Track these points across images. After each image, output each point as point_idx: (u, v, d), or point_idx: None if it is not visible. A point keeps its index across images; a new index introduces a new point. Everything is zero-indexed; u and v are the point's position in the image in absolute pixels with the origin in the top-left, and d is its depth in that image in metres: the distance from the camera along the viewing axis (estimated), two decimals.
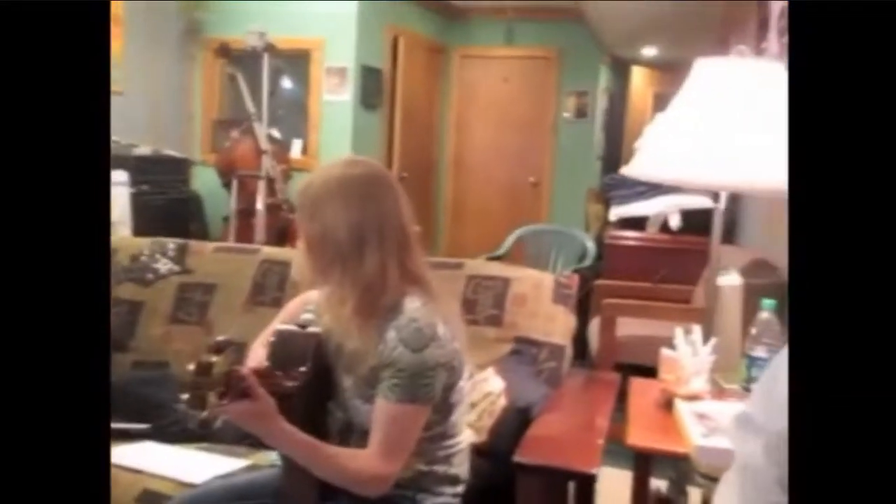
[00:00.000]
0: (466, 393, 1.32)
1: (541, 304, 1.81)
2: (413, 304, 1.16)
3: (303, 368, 1.15)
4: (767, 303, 1.55)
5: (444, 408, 1.21)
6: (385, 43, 5.23)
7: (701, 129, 1.36)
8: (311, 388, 1.18)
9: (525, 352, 1.75)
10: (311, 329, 1.22)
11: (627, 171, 1.53)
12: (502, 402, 1.49)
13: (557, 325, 1.79)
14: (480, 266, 1.94)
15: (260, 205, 3.94)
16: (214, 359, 0.96)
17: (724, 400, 1.52)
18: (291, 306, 1.54)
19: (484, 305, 1.82)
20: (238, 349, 1.42)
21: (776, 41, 2.85)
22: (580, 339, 3.24)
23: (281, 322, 1.45)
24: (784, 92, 1.40)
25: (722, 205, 1.55)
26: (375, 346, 1.15)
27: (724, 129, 1.33)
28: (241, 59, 4.18)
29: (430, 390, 1.15)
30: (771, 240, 2.82)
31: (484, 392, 1.53)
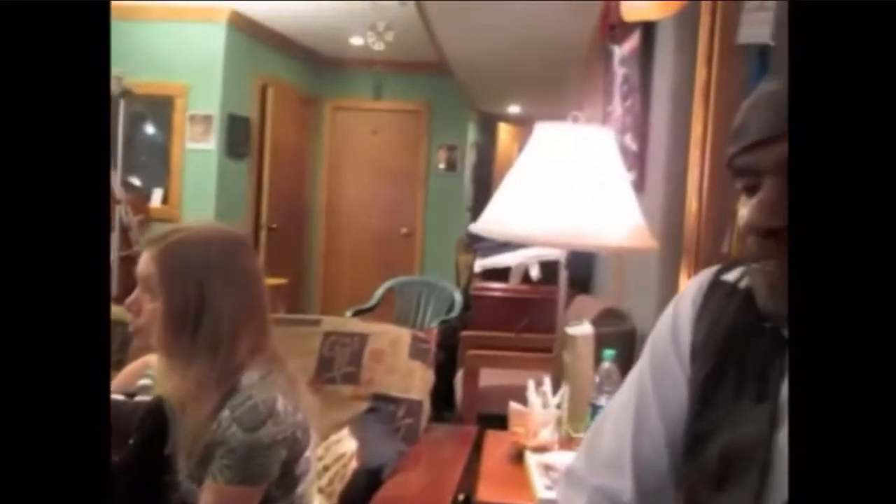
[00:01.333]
0: (315, 461, 1.28)
1: (398, 360, 1.81)
2: (250, 380, 1.11)
3: (130, 441, 1.07)
4: (608, 353, 1.63)
5: (287, 482, 1.16)
6: (253, 91, 5.16)
7: (536, 190, 1.43)
8: (140, 463, 1.09)
9: (382, 409, 1.73)
10: (141, 398, 1.14)
11: (475, 228, 1.58)
12: (354, 464, 1.46)
13: (415, 381, 1.79)
14: (338, 323, 1.92)
15: (112, 256, 3.71)
16: None
17: (572, 449, 1.57)
18: (129, 370, 1.45)
19: (341, 363, 1.80)
20: None
21: (619, 105, 3.09)
22: (448, 391, 3.26)
23: (116, 386, 1.35)
24: (610, 157, 1.51)
25: (563, 259, 1.63)
26: (210, 423, 1.08)
27: (557, 191, 1.41)
28: None
29: (265, 470, 1.08)
30: (620, 290, 2.99)
31: (337, 454, 1.49)
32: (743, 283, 0.71)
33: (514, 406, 1.57)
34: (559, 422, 1.63)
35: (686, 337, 0.76)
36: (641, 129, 2.72)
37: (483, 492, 1.39)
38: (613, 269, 3.17)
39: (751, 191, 0.61)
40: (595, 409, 1.60)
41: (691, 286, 0.79)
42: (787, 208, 0.56)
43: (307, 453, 1.20)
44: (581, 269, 3.70)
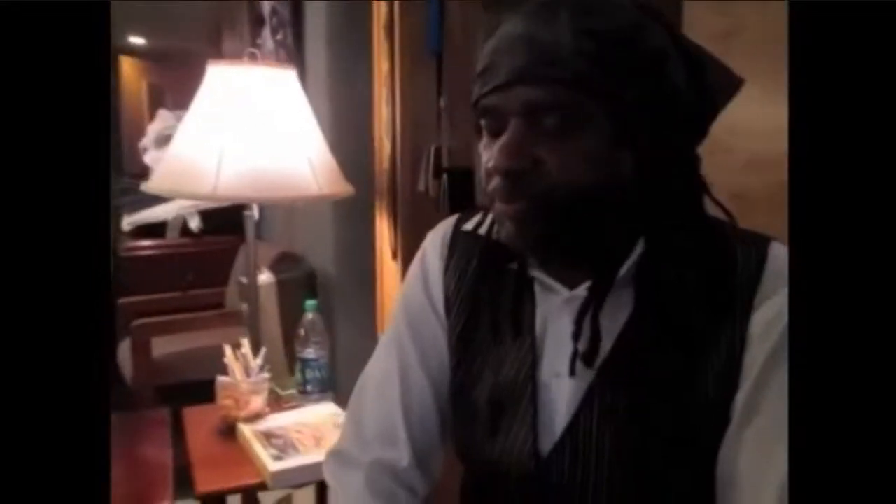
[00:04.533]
0: None
1: None
2: None
3: None
4: (310, 304, 1.57)
5: None
6: None
7: (218, 140, 1.26)
8: None
9: None
10: None
11: (149, 187, 1.34)
12: None
13: None
14: None
15: None
16: None
17: (286, 410, 1.50)
18: None
19: None
20: None
21: (270, 38, 2.93)
22: (112, 367, 2.86)
23: None
24: (295, 99, 1.40)
25: (256, 212, 1.50)
26: None
27: (242, 140, 1.26)
28: None
29: None
30: (293, 232, 2.92)
31: None
32: (483, 230, 0.72)
33: (221, 379, 1.42)
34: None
35: (438, 290, 0.75)
36: (297, 65, 2.63)
37: (202, 481, 1.24)
38: (282, 210, 3.08)
39: (494, 134, 0.61)
40: (305, 362, 1.53)
41: (434, 240, 0.78)
42: (532, 149, 0.58)
43: None
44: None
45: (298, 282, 2.53)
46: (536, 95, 0.56)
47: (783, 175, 1.24)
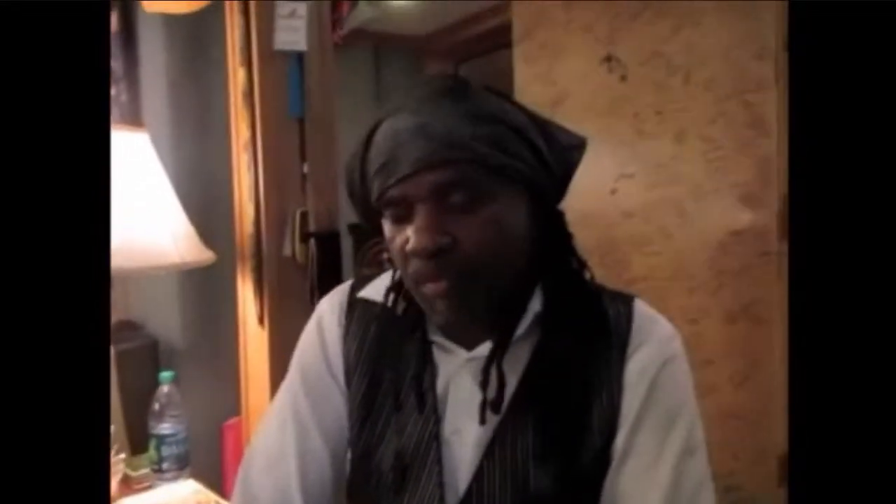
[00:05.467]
0: None
1: None
2: None
3: None
4: (165, 375, 1.49)
5: None
6: None
7: None
8: None
9: None
10: None
11: None
12: None
13: None
14: None
15: None
16: None
17: (138, 492, 1.39)
18: None
19: None
20: None
21: (125, 91, 2.77)
22: None
23: None
24: (147, 163, 1.35)
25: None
26: None
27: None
28: None
29: None
30: (129, 299, 2.73)
31: None
32: (389, 300, 0.74)
33: None
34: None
35: (338, 357, 0.77)
36: (133, 123, 2.51)
37: None
38: (115, 276, 2.86)
39: (401, 220, 0.64)
40: (161, 438, 1.44)
41: (331, 306, 0.79)
42: (446, 228, 0.62)
43: None
44: None
45: (139, 352, 2.37)
46: (444, 177, 0.61)
47: (610, 231, 1.37)
